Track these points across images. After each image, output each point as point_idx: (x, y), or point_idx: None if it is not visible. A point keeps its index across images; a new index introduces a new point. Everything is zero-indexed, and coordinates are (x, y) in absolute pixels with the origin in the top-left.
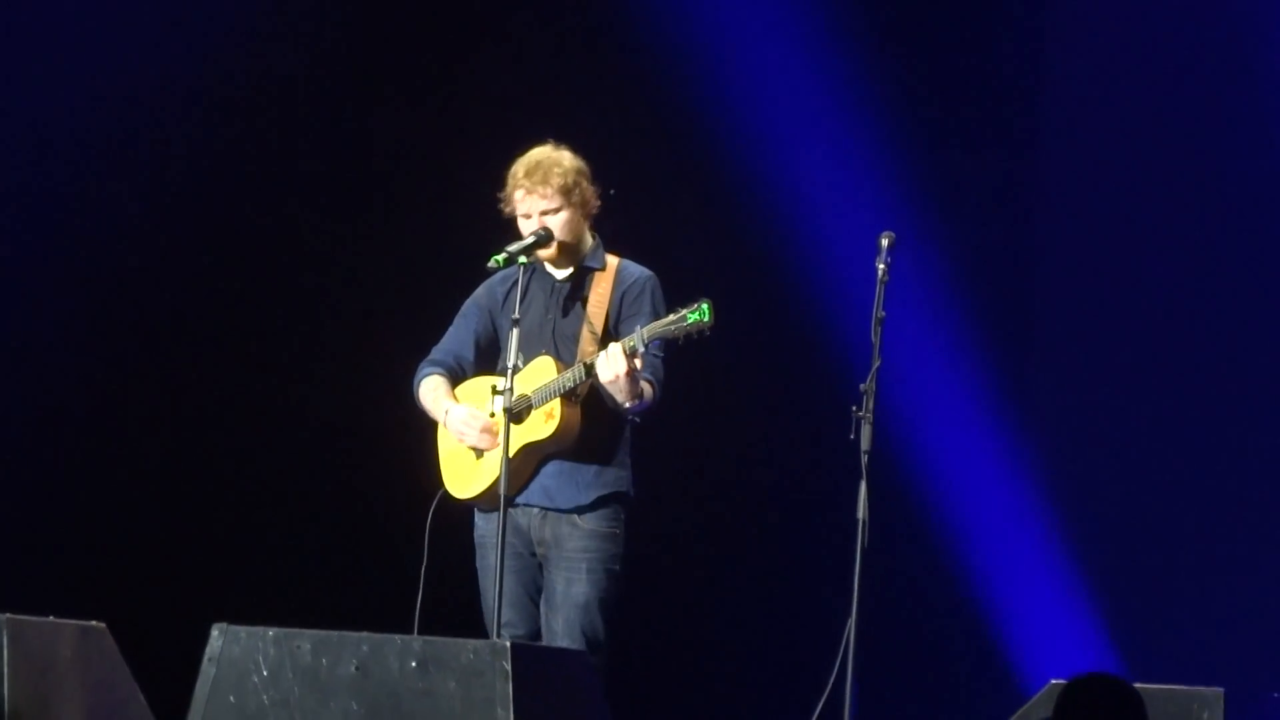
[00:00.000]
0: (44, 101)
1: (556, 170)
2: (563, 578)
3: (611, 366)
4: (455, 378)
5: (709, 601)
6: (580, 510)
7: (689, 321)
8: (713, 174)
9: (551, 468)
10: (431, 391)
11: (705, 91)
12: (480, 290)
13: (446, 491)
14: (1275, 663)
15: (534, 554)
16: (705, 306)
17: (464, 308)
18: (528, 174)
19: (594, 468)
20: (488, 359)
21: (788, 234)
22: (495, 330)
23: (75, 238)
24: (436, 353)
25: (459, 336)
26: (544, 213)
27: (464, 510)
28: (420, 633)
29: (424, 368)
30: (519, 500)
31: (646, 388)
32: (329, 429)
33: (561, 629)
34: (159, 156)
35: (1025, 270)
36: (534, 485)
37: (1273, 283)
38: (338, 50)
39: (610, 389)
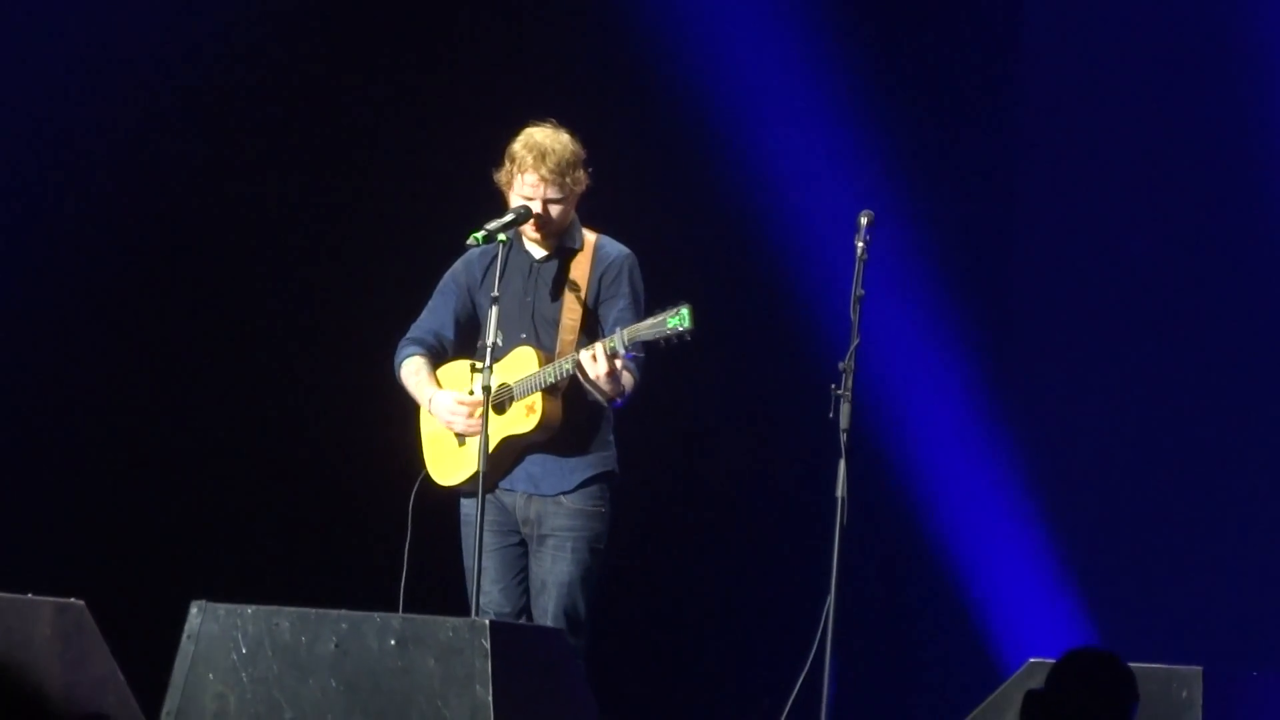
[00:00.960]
0: (28, 100)
1: (555, 153)
2: (548, 556)
3: (592, 368)
4: (437, 357)
5: (688, 580)
6: (564, 493)
7: (668, 326)
8: (690, 153)
9: (537, 457)
10: (414, 375)
11: (682, 71)
12: (458, 265)
13: (429, 477)
14: (1253, 641)
15: (519, 536)
16: (685, 312)
17: (442, 283)
18: (540, 160)
19: (578, 455)
20: (468, 336)
21: (766, 212)
22: (474, 308)
23: (42, 227)
24: (416, 330)
25: (439, 314)
26: (548, 201)
27: (442, 494)
28: (405, 612)
29: (405, 346)
30: (503, 485)
31: (628, 377)
32: (309, 407)
33: (546, 605)
34: (143, 144)
35: (1004, 248)
36: (519, 472)
37: (1252, 263)
38: (322, 33)
39: (591, 386)
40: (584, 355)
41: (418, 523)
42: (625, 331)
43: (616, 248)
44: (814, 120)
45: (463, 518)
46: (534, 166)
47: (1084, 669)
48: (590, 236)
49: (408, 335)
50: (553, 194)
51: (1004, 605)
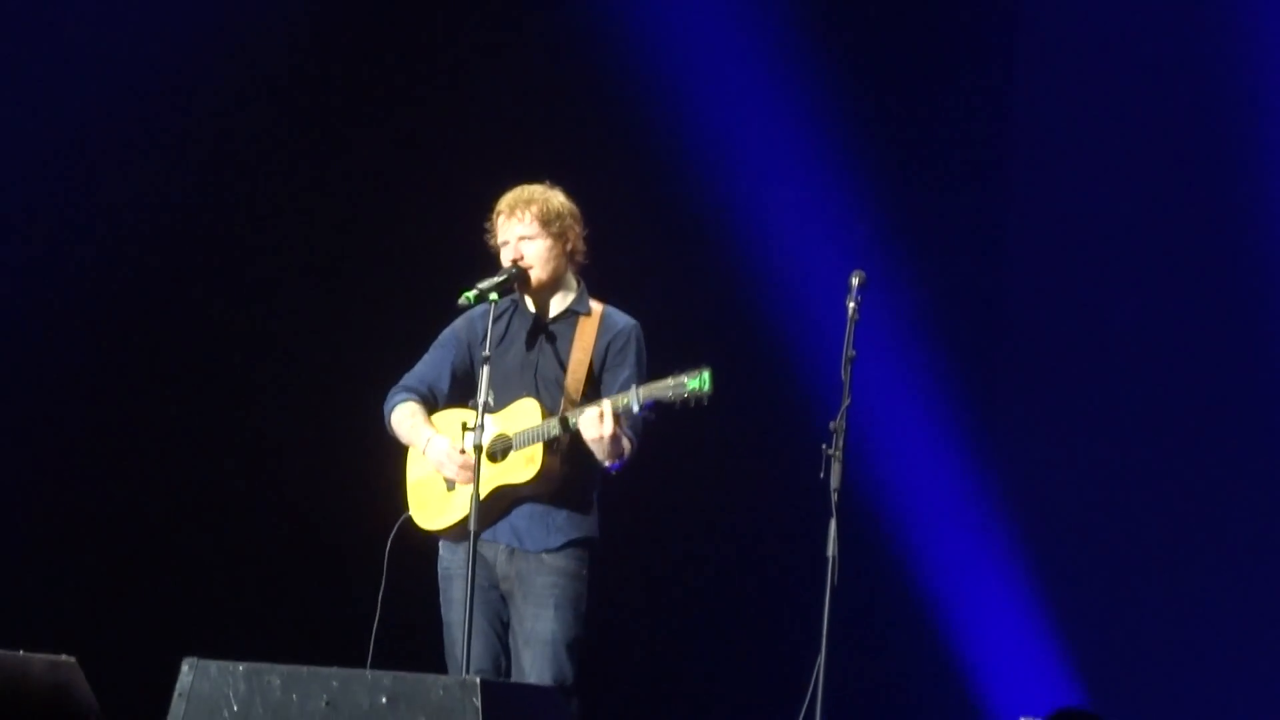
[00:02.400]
0: (28, 106)
1: (538, 199)
2: (530, 613)
3: (597, 427)
4: (429, 407)
5: (679, 638)
6: (548, 551)
7: (688, 389)
8: (683, 212)
9: (524, 509)
10: (410, 418)
11: (676, 130)
12: (460, 322)
13: (411, 520)
14: (1242, 699)
15: (497, 588)
16: (706, 375)
17: (441, 337)
18: (510, 201)
19: (565, 512)
20: (462, 391)
21: (758, 273)
22: (472, 364)
23: (31, 271)
24: (409, 379)
25: (435, 366)
26: (521, 238)
27: (428, 537)
28: (374, 660)
29: (396, 394)
30: (486, 536)
31: (626, 443)
32: (299, 462)
33: (529, 666)
34: (137, 175)
35: (993, 308)
36: (503, 524)
37: (1240, 316)
38: (323, 69)
39: (592, 446)
40: (591, 411)
41: (394, 568)
42: (642, 389)
43: (624, 318)
44: (806, 181)
45: (441, 571)
46: (504, 206)
47: None
48: (598, 306)
49: (400, 384)
50: (524, 230)
51: (995, 664)
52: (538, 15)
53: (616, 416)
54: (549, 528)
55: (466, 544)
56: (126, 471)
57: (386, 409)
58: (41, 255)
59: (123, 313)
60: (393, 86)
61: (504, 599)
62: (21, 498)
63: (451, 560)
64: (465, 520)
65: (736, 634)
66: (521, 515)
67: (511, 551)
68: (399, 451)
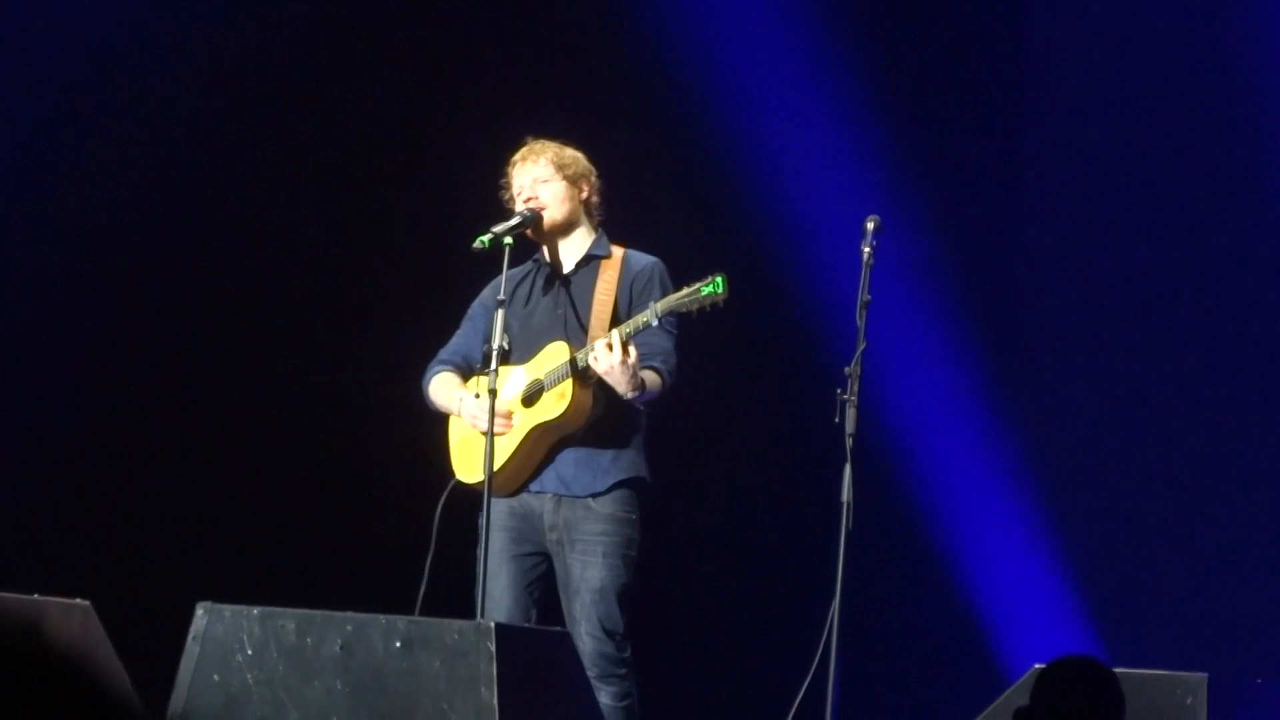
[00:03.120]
0: (32, 99)
1: (552, 147)
2: (578, 561)
3: (607, 357)
4: (464, 376)
5: (693, 584)
6: (595, 495)
7: (703, 294)
8: (697, 159)
9: (568, 455)
10: (444, 385)
11: (687, 76)
12: (486, 292)
13: (457, 480)
14: (1258, 648)
15: (540, 546)
16: (720, 280)
17: (471, 310)
18: (523, 151)
19: (610, 453)
20: (508, 356)
21: (773, 218)
22: (508, 327)
23: (60, 226)
24: (444, 353)
25: (467, 337)
26: (535, 180)
27: (471, 502)
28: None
29: (431, 367)
30: (533, 487)
31: (650, 376)
32: (318, 408)
33: (579, 613)
34: (155, 152)
35: (1009, 252)
36: (549, 472)
37: (1259, 270)
38: (333, 41)
39: (608, 379)
40: (599, 345)
41: (442, 532)
42: (658, 304)
43: (646, 257)
44: (820, 125)
45: (481, 523)
46: (524, 156)
47: (1069, 675)
48: (619, 250)
49: (436, 358)
50: (539, 173)
51: (1009, 611)
52: None
53: (625, 345)
54: (595, 471)
55: (509, 496)
56: (146, 416)
57: (424, 384)
58: (77, 224)
59: (147, 265)
60: (405, 59)
61: (547, 557)
62: (38, 442)
63: (493, 510)
64: (505, 468)
65: (751, 580)
66: (566, 461)
67: (559, 500)
68: (442, 417)
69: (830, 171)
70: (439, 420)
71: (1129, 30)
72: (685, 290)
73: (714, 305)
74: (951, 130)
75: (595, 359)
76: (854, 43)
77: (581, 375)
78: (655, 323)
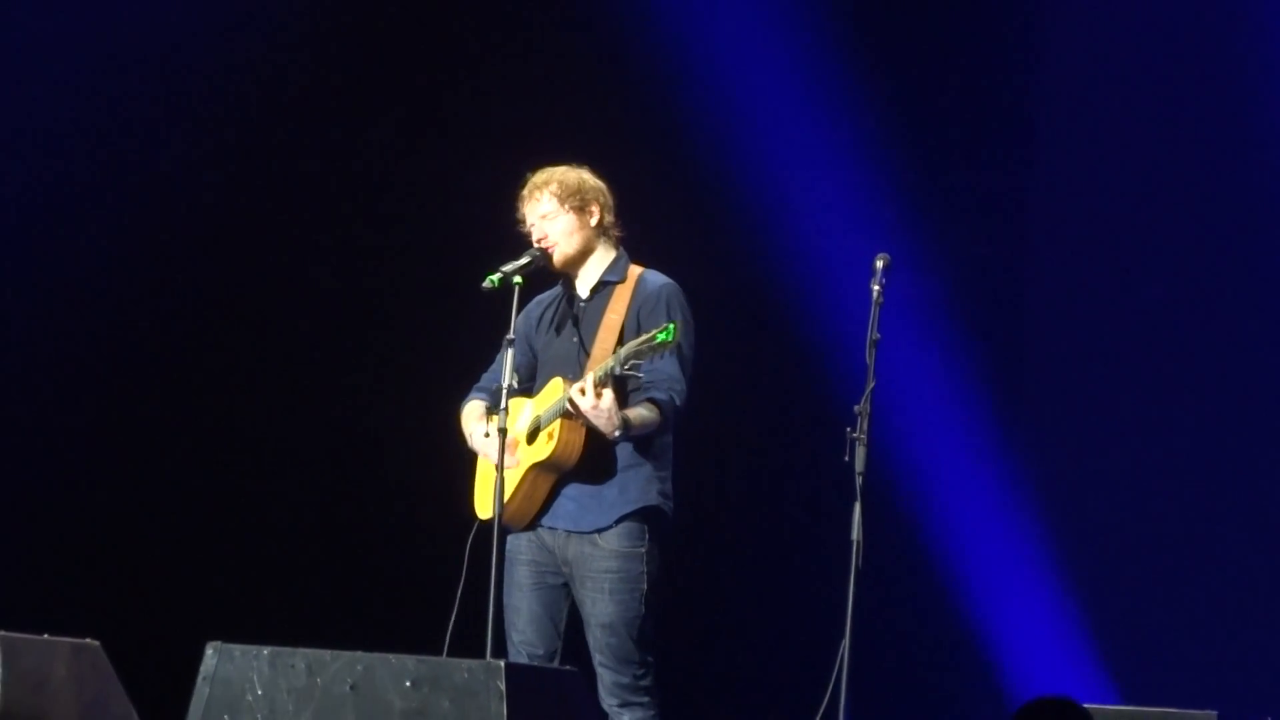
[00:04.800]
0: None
1: (555, 178)
2: (588, 598)
3: (580, 401)
4: (498, 404)
5: (703, 622)
6: (601, 530)
7: (658, 340)
8: (709, 196)
9: (573, 490)
10: (467, 415)
11: (701, 116)
12: (519, 319)
13: (476, 514)
14: (1267, 686)
15: (561, 576)
16: (671, 327)
17: (505, 338)
18: (528, 186)
19: (615, 487)
20: (534, 385)
21: (783, 256)
22: (535, 355)
23: (74, 256)
24: (481, 382)
25: (500, 366)
26: (542, 217)
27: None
28: (449, 654)
29: (469, 397)
30: (545, 522)
31: (640, 413)
32: (331, 446)
33: (594, 647)
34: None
35: (1018, 291)
36: (559, 506)
37: (1270, 300)
38: (348, 56)
39: (588, 420)
40: (574, 389)
41: (462, 568)
42: (621, 351)
43: (659, 279)
44: (831, 164)
45: (507, 555)
46: (529, 193)
47: (1044, 716)
48: (635, 270)
49: (476, 384)
50: (542, 209)
51: (1018, 648)
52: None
53: (599, 387)
54: (602, 505)
55: (525, 530)
56: (155, 454)
57: (460, 410)
58: (88, 239)
59: (157, 290)
60: (419, 71)
61: (565, 585)
62: (49, 482)
63: (513, 544)
64: (511, 505)
65: (761, 618)
66: (572, 496)
67: (569, 535)
68: (460, 456)
69: (839, 208)
70: (460, 456)
71: (1137, 65)
72: (643, 338)
73: (666, 350)
74: (960, 167)
75: (576, 402)
76: (864, 80)
77: (570, 414)
78: (618, 370)
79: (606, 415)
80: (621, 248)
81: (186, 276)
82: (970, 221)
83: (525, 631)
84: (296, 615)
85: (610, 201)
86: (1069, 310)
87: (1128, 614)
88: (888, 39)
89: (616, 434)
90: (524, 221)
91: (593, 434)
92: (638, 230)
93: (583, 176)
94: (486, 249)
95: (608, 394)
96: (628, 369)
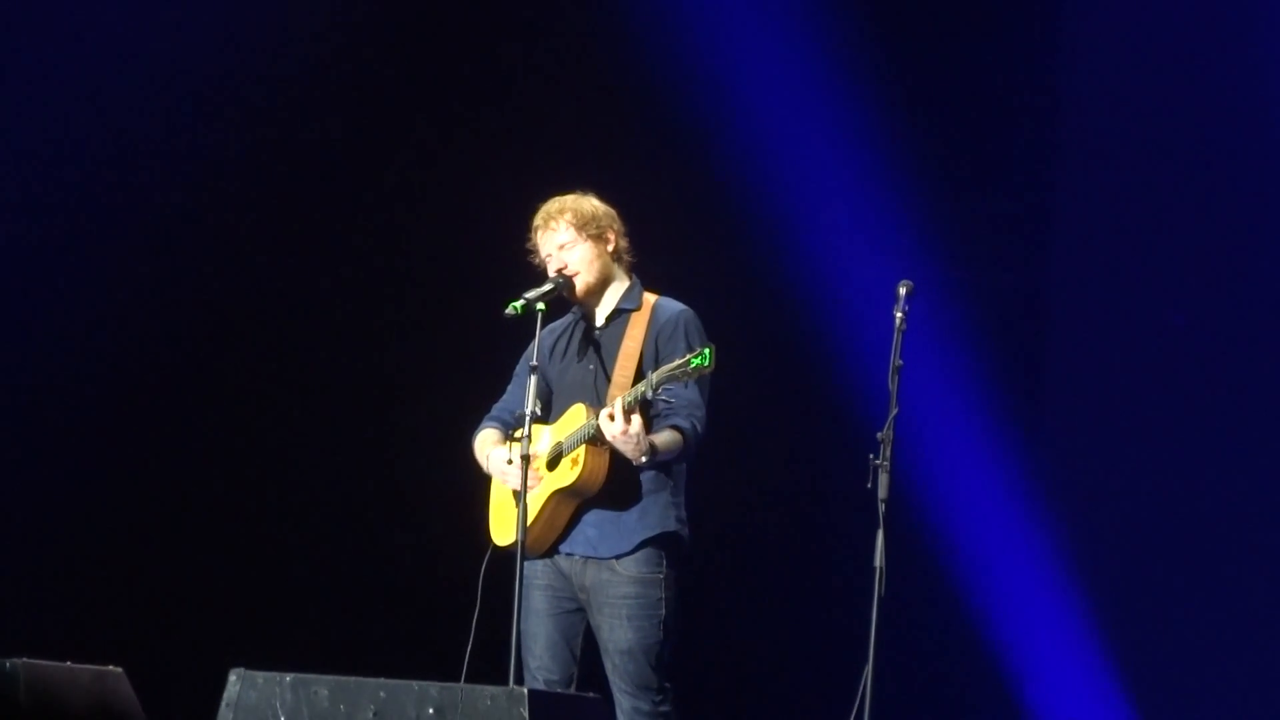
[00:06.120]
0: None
1: (570, 206)
2: (605, 624)
3: (608, 428)
4: (509, 431)
5: (725, 649)
6: (619, 556)
7: (693, 365)
8: (731, 222)
9: (592, 516)
10: (481, 442)
11: (723, 143)
12: (532, 346)
13: (493, 544)
14: None
15: (577, 602)
16: (707, 351)
17: (519, 365)
18: (542, 215)
19: (635, 513)
20: (548, 412)
21: (805, 283)
22: (549, 383)
23: (89, 278)
24: (495, 409)
25: (516, 394)
26: (560, 247)
27: (511, 564)
28: (466, 681)
29: (482, 425)
30: (563, 549)
31: (666, 437)
32: (351, 475)
33: (611, 674)
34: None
35: (1040, 317)
36: (577, 533)
37: None
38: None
39: (616, 447)
40: (603, 414)
41: (485, 594)
42: (654, 375)
43: (675, 306)
44: (854, 190)
45: (524, 580)
46: (539, 220)
47: None
48: (650, 298)
49: (488, 413)
50: (560, 239)
51: (1042, 676)
52: (583, 21)
53: (628, 414)
54: (621, 531)
55: (542, 557)
56: (179, 481)
57: (473, 438)
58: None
59: (177, 322)
60: (434, 91)
61: (581, 610)
62: (72, 509)
63: (529, 570)
64: (531, 532)
65: (783, 645)
66: (592, 522)
67: (586, 562)
68: (485, 478)
69: (862, 235)
70: (479, 483)
71: (1161, 89)
72: (678, 362)
73: (702, 377)
74: (983, 193)
75: (603, 429)
76: (887, 106)
77: (595, 440)
78: (650, 394)
79: (635, 441)
80: (634, 275)
81: (212, 316)
82: (993, 248)
83: (542, 657)
84: (318, 640)
85: (623, 227)
86: (1091, 337)
87: (1151, 641)
88: (911, 65)
89: (643, 459)
90: (537, 251)
91: (616, 460)
92: (661, 256)
93: (594, 204)
94: (503, 276)
95: (636, 419)
96: (659, 394)
